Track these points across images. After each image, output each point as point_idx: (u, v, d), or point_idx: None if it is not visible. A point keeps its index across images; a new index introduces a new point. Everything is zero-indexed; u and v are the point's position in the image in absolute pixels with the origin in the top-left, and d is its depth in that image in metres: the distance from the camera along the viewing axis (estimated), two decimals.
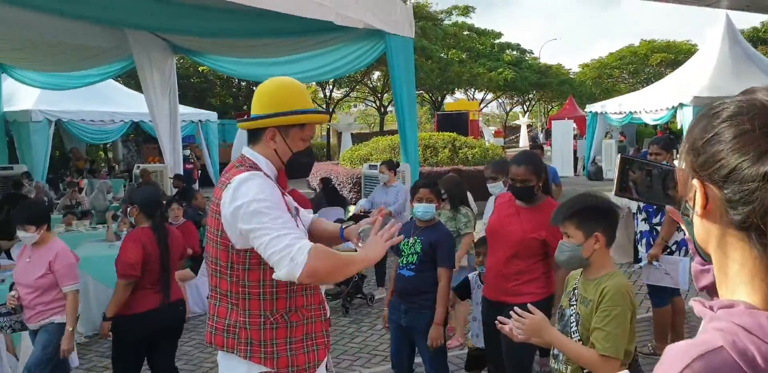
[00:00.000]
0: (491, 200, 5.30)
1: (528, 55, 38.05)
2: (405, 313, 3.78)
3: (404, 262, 3.79)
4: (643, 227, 5.00)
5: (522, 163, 3.36)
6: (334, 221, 2.63)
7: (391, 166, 7.31)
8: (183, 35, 9.57)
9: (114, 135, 16.99)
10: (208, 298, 2.36)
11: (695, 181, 0.83)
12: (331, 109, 29.97)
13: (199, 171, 16.13)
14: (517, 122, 38.42)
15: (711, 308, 0.80)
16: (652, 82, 23.14)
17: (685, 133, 0.90)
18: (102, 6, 7.44)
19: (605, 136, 19.27)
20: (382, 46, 7.64)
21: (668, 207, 1.42)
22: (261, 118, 2.24)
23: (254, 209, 2.04)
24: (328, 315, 2.38)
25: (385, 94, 30.01)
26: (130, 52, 9.67)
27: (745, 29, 32.02)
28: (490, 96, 39.51)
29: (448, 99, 35.81)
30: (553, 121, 23.16)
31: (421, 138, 14.42)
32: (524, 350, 3.23)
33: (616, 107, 17.41)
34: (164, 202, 7.04)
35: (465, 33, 32.31)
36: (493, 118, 54.28)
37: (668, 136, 9.56)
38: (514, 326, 2.28)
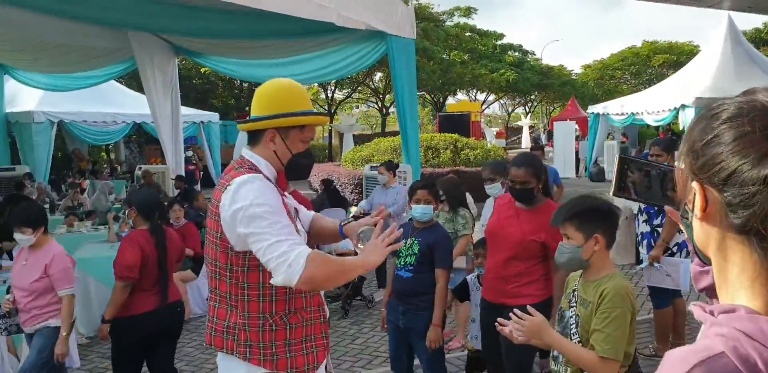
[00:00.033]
0: (489, 201, 5.30)
1: (530, 56, 38.03)
2: (403, 314, 3.78)
3: (402, 263, 3.78)
4: (644, 228, 5.00)
5: (522, 165, 3.35)
6: None
7: (390, 167, 7.30)
8: (185, 36, 9.59)
9: (116, 136, 17.03)
10: (207, 299, 2.35)
11: (694, 184, 0.82)
12: (333, 111, 29.97)
13: (201, 172, 16.16)
14: (519, 123, 38.45)
15: (711, 313, 0.79)
16: (654, 84, 23.11)
17: (684, 134, 0.89)
18: (104, 7, 7.45)
19: (607, 138, 19.24)
20: (384, 47, 7.65)
21: (667, 207, 1.42)
22: (261, 119, 2.24)
23: (253, 213, 2.04)
24: (327, 317, 2.38)
25: (387, 96, 30.00)
26: (132, 53, 9.70)
27: (747, 30, 31.95)
28: (492, 97, 39.48)
29: (450, 100, 35.81)
30: (555, 123, 23.14)
31: (423, 139, 14.43)
32: (524, 352, 3.23)
33: (618, 108, 17.40)
34: (165, 203, 7.07)
35: (467, 34, 32.30)
36: (495, 120, 54.26)
37: (670, 137, 9.56)
38: (514, 327, 2.28)
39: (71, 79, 11.62)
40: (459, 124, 23.39)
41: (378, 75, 28.68)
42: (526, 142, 33.07)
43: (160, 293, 3.93)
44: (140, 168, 12.23)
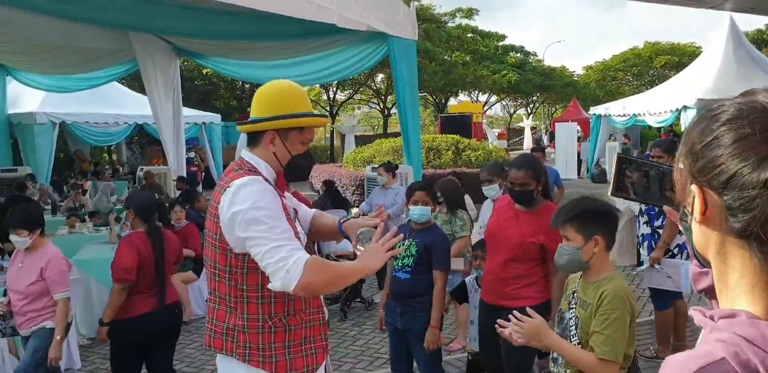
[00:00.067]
0: (486, 203, 5.29)
1: (532, 57, 38.05)
2: (401, 316, 3.78)
3: (399, 264, 3.77)
4: (645, 229, 4.99)
5: (521, 167, 3.35)
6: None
7: (390, 168, 7.29)
8: (186, 38, 9.59)
9: (118, 137, 17.04)
10: (207, 301, 2.35)
11: (694, 187, 0.81)
12: (334, 112, 29.98)
13: (203, 173, 16.18)
14: (521, 124, 38.44)
15: (712, 318, 0.78)
16: (656, 85, 23.11)
17: (683, 135, 0.88)
18: (106, 9, 7.45)
19: (609, 139, 19.21)
20: (385, 48, 7.65)
21: (666, 208, 1.41)
22: (260, 121, 2.24)
23: (252, 217, 2.03)
24: (326, 319, 2.38)
25: (389, 97, 30.02)
26: (134, 54, 9.71)
27: (749, 31, 31.97)
28: (493, 98, 39.50)
29: (452, 101, 35.81)
30: (556, 124, 23.14)
31: (425, 140, 14.44)
32: (524, 354, 3.23)
33: (619, 110, 17.38)
34: (167, 204, 7.07)
35: (469, 35, 32.34)
36: (497, 121, 54.28)
37: (671, 138, 9.55)
38: (513, 329, 2.28)
39: (73, 80, 11.63)
40: (461, 125, 23.42)
41: (380, 76, 28.69)
42: (528, 144, 33.04)
43: (158, 295, 3.93)
44: (142, 169, 12.24)
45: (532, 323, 2.25)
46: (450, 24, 30.85)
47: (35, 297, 3.86)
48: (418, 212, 3.80)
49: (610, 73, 40.70)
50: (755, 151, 0.74)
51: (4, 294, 4.17)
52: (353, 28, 6.94)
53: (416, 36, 7.97)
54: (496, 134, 35.02)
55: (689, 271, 4.83)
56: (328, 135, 32.15)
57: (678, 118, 14.74)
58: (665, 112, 14.79)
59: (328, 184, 8.75)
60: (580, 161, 20.97)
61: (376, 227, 2.40)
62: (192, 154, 15.38)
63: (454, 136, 16.71)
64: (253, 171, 2.21)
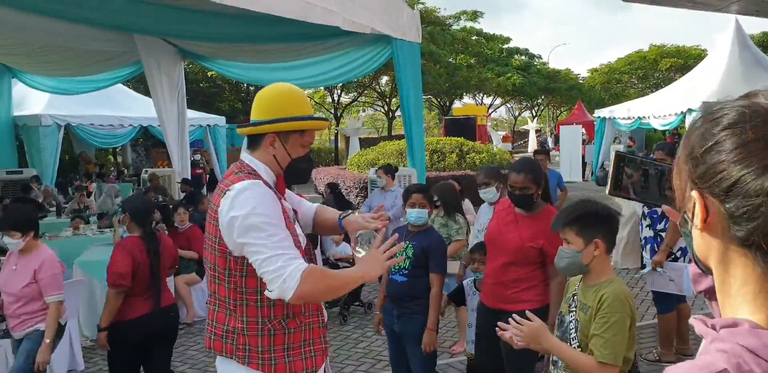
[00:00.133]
0: (483, 206, 5.28)
1: (536, 60, 38.04)
2: (398, 318, 3.78)
3: (396, 267, 3.76)
4: (648, 233, 4.99)
5: (521, 171, 3.34)
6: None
7: (389, 170, 7.27)
8: (191, 40, 9.62)
9: (123, 139, 17.08)
10: (207, 303, 2.36)
11: (694, 193, 0.78)
12: (339, 114, 30.00)
13: (208, 175, 16.21)
14: (525, 127, 38.37)
15: (713, 327, 0.75)
16: (662, 88, 23.05)
17: (682, 138, 0.85)
18: (111, 11, 7.48)
19: (614, 142, 19.16)
20: (389, 51, 7.65)
21: (665, 207, 1.40)
22: (261, 123, 2.24)
23: (251, 223, 2.04)
24: (326, 321, 2.38)
25: (393, 99, 30.04)
26: (139, 57, 9.74)
27: (754, 34, 31.86)
28: (498, 101, 39.48)
29: (457, 104, 35.80)
30: (561, 126, 23.13)
31: (429, 143, 14.44)
32: (524, 357, 3.22)
33: (624, 112, 17.35)
34: (171, 207, 7.09)
35: (473, 38, 32.35)
36: (502, 123, 54.23)
37: (675, 141, 9.52)
38: (513, 333, 2.28)
39: (78, 82, 11.68)
40: (465, 127, 23.41)
41: (384, 78, 28.73)
42: (532, 146, 32.97)
43: (152, 299, 3.93)
44: (147, 171, 12.27)
45: (531, 327, 2.25)
46: (455, 27, 30.86)
47: (29, 300, 3.83)
48: (415, 214, 3.80)
49: (615, 76, 40.64)
50: (758, 158, 0.71)
51: None
52: (357, 30, 6.95)
53: (420, 39, 7.98)
54: (501, 137, 34.99)
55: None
56: (332, 137, 32.18)
57: (683, 121, 14.69)
58: (670, 115, 14.76)
59: (332, 187, 8.77)
60: (584, 164, 20.93)
61: (376, 231, 2.40)
62: (198, 157, 15.42)
63: (459, 138, 16.71)
64: (253, 174, 2.22)
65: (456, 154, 15.23)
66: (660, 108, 15.36)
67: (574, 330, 2.37)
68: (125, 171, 17.86)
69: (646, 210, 5.02)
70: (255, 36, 8.40)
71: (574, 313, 2.41)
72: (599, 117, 18.82)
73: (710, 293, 1.34)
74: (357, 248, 2.13)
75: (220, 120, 17.32)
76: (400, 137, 20.14)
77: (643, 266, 5.29)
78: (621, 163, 1.48)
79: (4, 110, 12.80)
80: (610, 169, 1.51)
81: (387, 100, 31.21)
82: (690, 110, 13.65)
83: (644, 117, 16.19)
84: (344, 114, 32.39)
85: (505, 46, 35.56)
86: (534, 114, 44.32)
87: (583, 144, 21.42)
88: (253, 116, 2.27)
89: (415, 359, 3.76)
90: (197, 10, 7.22)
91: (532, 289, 3.36)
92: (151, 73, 9.89)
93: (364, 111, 43.04)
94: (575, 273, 2.49)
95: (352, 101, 32.47)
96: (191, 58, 10.92)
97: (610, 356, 2.20)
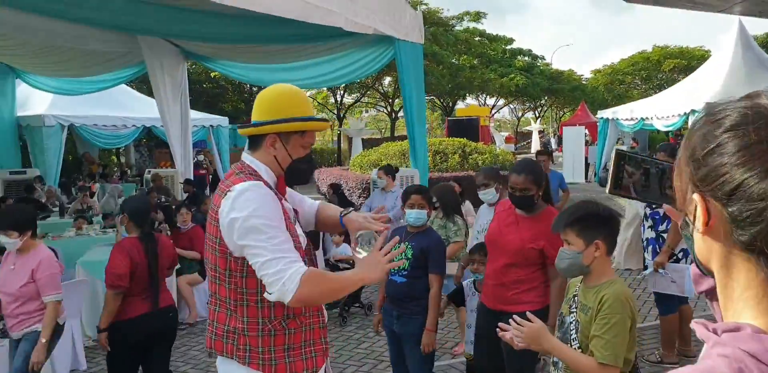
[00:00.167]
0: (483, 207, 5.28)
1: (540, 60, 37.99)
2: (397, 319, 3.78)
3: (396, 267, 3.78)
4: (650, 234, 4.98)
5: (522, 172, 3.34)
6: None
7: (389, 171, 7.27)
8: (194, 41, 9.64)
9: (126, 140, 17.12)
10: (208, 303, 2.37)
11: (696, 196, 0.77)
12: (342, 115, 30.01)
13: (211, 176, 16.22)
14: (528, 128, 38.36)
15: (715, 332, 0.74)
16: (665, 89, 23.02)
17: (683, 140, 0.83)
18: (114, 12, 7.50)
19: (617, 143, 19.13)
20: (392, 52, 7.65)
21: (666, 206, 1.39)
22: (261, 124, 2.24)
23: (251, 225, 2.04)
24: (326, 322, 2.38)
25: (396, 100, 30.03)
26: (142, 57, 9.76)
27: (758, 35, 31.80)
28: (501, 102, 39.44)
29: (459, 105, 35.82)
30: (564, 127, 23.10)
31: (431, 144, 14.44)
32: (525, 358, 3.22)
33: (627, 113, 17.33)
34: (173, 207, 7.11)
35: (476, 39, 32.31)
36: (505, 124, 54.18)
37: (678, 142, 9.50)
38: (514, 334, 2.28)
39: (81, 83, 11.70)
40: (468, 128, 23.39)
41: (387, 79, 28.71)
42: (535, 147, 32.95)
43: (151, 299, 3.94)
44: (150, 172, 12.30)
45: (532, 328, 2.25)
46: (457, 27, 30.85)
47: (28, 299, 3.82)
48: (414, 215, 3.80)
49: (619, 77, 40.58)
50: (761, 161, 0.70)
51: None
52: (360, 31, 6.96)
53: (422, 39, 7.97)
54: (504, 138, 34.97)
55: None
56: (335, 138, 32.19)
57: (686, 122, 14.67)
58: (673, 116, 14.74)
59: (335, 188, 8.78)
60: (587, 165, 20.91)
61: (378, 233, 2.41)
62: (201, 158, 15.44)
63: (461, 139, 16.71)
64: (254, 175, 2.22)
65: (459, 155, 15.23)
66: (663, 109, 15.34)
67: (574, 331, 2.37)
68: (128, 171, 17.90)
69: (648, 211, 5.02)
70: (258, 36, 8.40)
71: (574, 314, 2.41)
72: (602, 118, 18.81)
73: (711, 294, 1.34)
74: (357, 249, 2.12)
75: (223, 121, 17.33)
76: (402, 138, 20.11)
77: (645, 267, 5.29)
78: (621, 161, 1.47)
79: (8, 111, 12.84)
80: (611, 168, 1.50)
81: (390, 100, 31.21)
82: (693, 111, 13.62)
83: (647, 118, 16.17)
84: (347, 115, 32.42)
85: (508, 47, 35.52)
86: (537, 115, 44.25)
87: (586, 145, 21.41)
88: (254, 117, 2.28)
89: (413, 359, 3.77)
90: (197, 10, 7.22)
91: (532, 290, 3.36)
92: (155, 73, 9.92)
93: (366, 112, 43.07)
94: (576, 274, 2.49)
95: (355, 102, 32.47)
96: (194, 59, 10.94)
97: (610, 357, 2.20)
